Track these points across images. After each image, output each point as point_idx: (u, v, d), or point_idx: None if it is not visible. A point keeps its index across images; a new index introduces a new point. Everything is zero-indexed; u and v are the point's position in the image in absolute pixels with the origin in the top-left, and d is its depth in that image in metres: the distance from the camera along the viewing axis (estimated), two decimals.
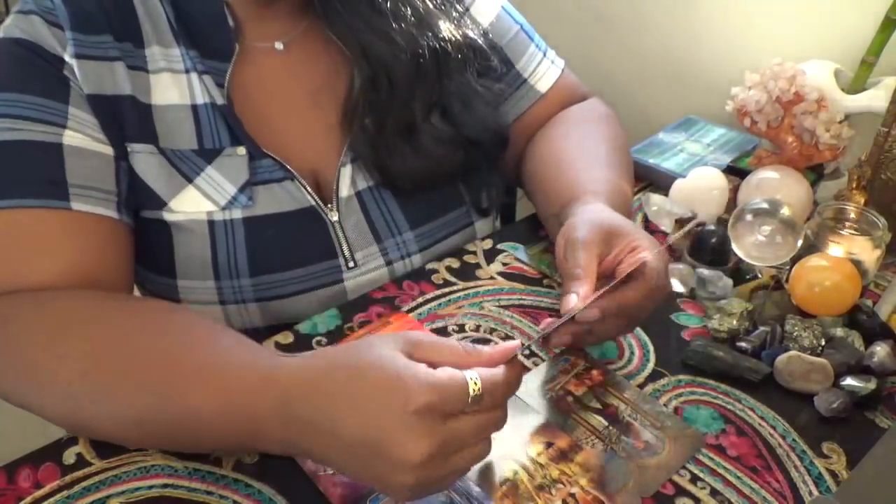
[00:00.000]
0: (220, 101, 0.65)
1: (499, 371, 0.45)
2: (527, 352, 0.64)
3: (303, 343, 0.64)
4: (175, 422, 0.49)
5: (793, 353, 0.60)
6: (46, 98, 0.59)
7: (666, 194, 0.85)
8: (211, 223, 0.65)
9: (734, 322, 0.64)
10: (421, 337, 0.47)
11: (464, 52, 0.72)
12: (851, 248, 0.67)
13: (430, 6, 0.72)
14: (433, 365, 0.45)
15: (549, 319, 0.60)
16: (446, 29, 0.71)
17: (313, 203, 0.68)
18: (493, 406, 0.45)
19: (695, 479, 0.53)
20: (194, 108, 0.65)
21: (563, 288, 0.57)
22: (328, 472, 0.52)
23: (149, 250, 0.66)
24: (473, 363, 0.46)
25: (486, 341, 0.65)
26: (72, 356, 0.51)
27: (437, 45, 0.70)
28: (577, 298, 0.54)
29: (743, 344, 0.63)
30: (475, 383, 0.43)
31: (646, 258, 0.56)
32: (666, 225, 0.82)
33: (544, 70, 0.81)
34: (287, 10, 0.69)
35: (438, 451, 0.42)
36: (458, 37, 0.72)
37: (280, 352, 0.63)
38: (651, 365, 0.63)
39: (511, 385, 0.46)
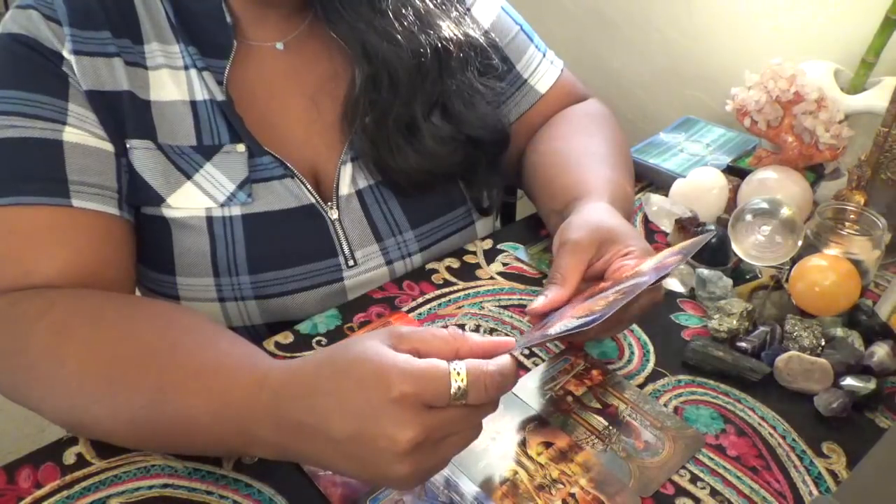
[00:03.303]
0: (219, 97, 0.65)
1: (488, 364, 0.43)
2: (526, 352, 0.64)
3: (303, 343, 0.64)
4: (169, 422, 0.48)
5: (793, 353, 0.60)
6: (46, 95, 0.59)
7: (666, 194, 0.85)
8: (209, 220, 0.65)
9: (734, 322, 0.64)
10: (406, 329, 0.46)
11: (465, 51, 0.72)
12: (851, 248, 0.67)
13: (431, 6, 0.72)
14: (420, 354, 0.44)
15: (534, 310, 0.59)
16: (447, 28, 0.71)
17: (313, 201, 0.68)
18: (479, 402, 0.43)
19: (695, 479, 0.53)
20: (193, 104, 0.65)
21: (543, 288, 0.57)
22: (328, 472, 0.52)
23: (148, 247, 0.66)
24: (459, 348, 0.45)
25: None
26: (70, 356, 0.51)
27: (439, 44, 0.70)
28: (544, 300, 0.55)
29: (743, 344, 0.63)
30: (458, 374, 0.42)
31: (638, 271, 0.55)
32: (666, 225, 0.82)
33: (544, 70, 0.81)
34: (287, 11, 0.69)
35: (425, 440, 0.42)
36: (460, 36, 0.72)
37: (279, 356, 0.63)
38: (651, 365, 0.63)
39: (506, 377, 0.44)
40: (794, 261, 0.68)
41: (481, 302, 0.70)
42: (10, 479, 0.51)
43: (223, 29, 0.65)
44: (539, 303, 0.55)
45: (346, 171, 0.70)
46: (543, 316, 0.56)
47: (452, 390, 0.42)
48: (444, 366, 0.42)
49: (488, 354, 0.46)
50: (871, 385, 0.58)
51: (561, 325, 0.50)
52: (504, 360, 0.44)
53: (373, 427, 0.41)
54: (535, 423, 0.57)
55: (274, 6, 0.68)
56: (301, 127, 0.70)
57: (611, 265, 0.58)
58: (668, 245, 0.79)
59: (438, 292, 0.71)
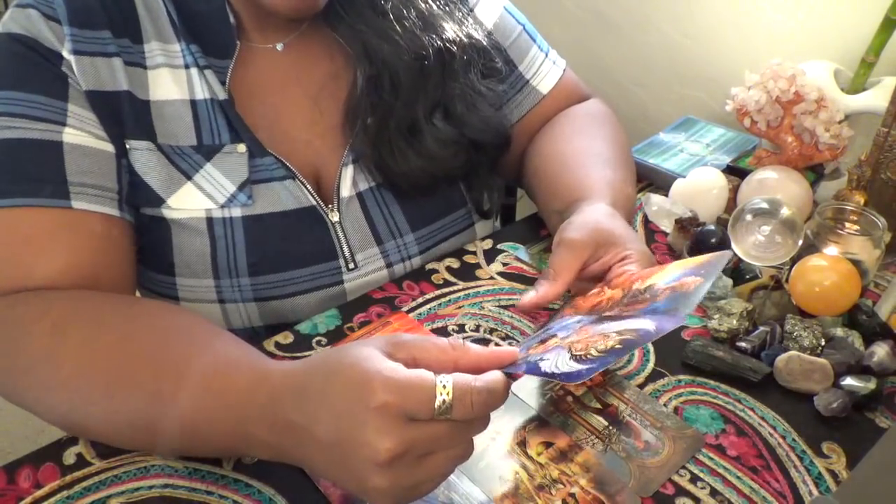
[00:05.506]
0: (221, 96, 0.65)
1: (477, 380, 0.42)
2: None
3: (303, 343, 0.64)
4: (167, 423, 0.48)
5: (793, 353, 0.60)
6: (45, 96, 0.59)
7: (666, 194, 0.85)
8: (209, 221, 0.65)
9: (734, 322, 0.64)
10: (407, 336, 0.45)
11: (468, 54, 0.72)
12: (851, 248, 0.67)
13: (435, 8, 0.72)
14: (417, 363, 0.43)
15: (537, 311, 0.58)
16: (451, 30, 0.71)
17: (314, 203, 0.68)
18: (463, 417, 0.42)
19: (695, 479, 0.53)
20: (193, 103, 0.65)
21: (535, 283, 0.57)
22: None
23: (148, 248, 0.66)
24: (458, 358, 0.44)
25: (486, 342, 0.65)
26: (68, 358, 0.51)
27: (442, 47, 0.70)
28: (534, 295, 0.55)
29: (743, 344, 0.63)
30: (444, 388, 0.41)
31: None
32: (666, 225, 0.82)
33: (546, 71, 0.81)
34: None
35: (405, 452, 0.41)
36: (463, 38, 0.72)
37: (279, 356, 0.63)
38: (651, 365, 0.63)
39: (493, 395, 0.42)
40: (794, 261, 0.68)
41: (481, 302, 0.70)
42: (10, 479, 0.51)
43: (226, 29, 0.65)
44: (528, 297, 0.55)
45: (348, 174, 0.70)
46: (541, 316, 0.56)
47: (436, 403, 0.41)
48: (431, 377, 0.42)
49: (490, 365, 0.45)
50: (871, 385, 0.58)
51: (553, 358, 0.46)
52: (493, 377, 0.43)
53: (355, 434, 0.41)
54: (535, 423, 0.57)
55: (289, 19, 0.67)
56: (303, 128, 0.70)
57: (609, 269, 0.58)
58: (669, 246, 0.79)
59: (438, 292, 0.71)
